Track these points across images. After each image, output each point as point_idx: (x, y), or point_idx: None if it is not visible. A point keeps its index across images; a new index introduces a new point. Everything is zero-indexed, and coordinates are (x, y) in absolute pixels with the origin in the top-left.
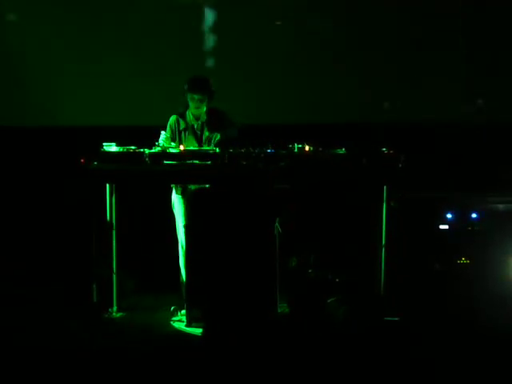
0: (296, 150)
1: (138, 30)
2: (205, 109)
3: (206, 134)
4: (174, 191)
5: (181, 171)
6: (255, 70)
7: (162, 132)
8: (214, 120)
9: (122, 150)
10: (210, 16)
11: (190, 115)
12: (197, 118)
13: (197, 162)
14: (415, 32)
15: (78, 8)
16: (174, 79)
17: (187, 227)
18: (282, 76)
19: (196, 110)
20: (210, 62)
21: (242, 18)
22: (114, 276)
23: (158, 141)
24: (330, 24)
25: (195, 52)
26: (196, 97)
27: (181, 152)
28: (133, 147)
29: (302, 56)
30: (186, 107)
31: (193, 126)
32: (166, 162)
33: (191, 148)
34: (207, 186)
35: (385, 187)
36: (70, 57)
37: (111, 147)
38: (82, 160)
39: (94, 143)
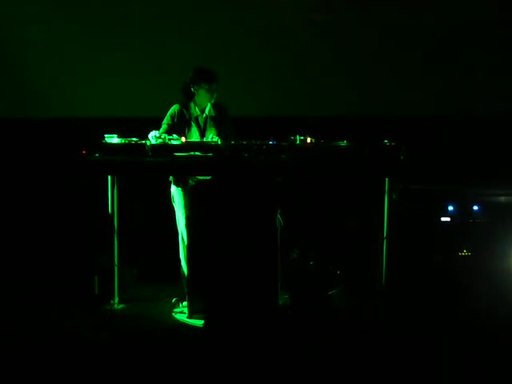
0: (298, 142)
1: (138, 23)
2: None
3: (211, 131)
4: (172, 183)
5: (182, 163)
6: (256, 62)
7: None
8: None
9: (123, 141)
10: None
11: (194, 107)
12: (202, 111)
13: (198, 153)
14: (415, 28)
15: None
16: (174, 70)
17: (188, 219)
18: (283, 68)
19: (209, 102)
20: (211, 53)
21: (242, 11)
22: (116, 268)
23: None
24: (331, 18)
25: (196, 43)
26: (214, 87)
27: (182, 144)
28: (134, 139)
29: (303, 48)
30: (189, 98)
31: (197, 117)
32: (167, 153)
33: (193, 140)
34: (208, 178)
35: (386, 179)
36: (70, 48)
37: (113, 139)
38: (84, 152)
39: (95, 135)
